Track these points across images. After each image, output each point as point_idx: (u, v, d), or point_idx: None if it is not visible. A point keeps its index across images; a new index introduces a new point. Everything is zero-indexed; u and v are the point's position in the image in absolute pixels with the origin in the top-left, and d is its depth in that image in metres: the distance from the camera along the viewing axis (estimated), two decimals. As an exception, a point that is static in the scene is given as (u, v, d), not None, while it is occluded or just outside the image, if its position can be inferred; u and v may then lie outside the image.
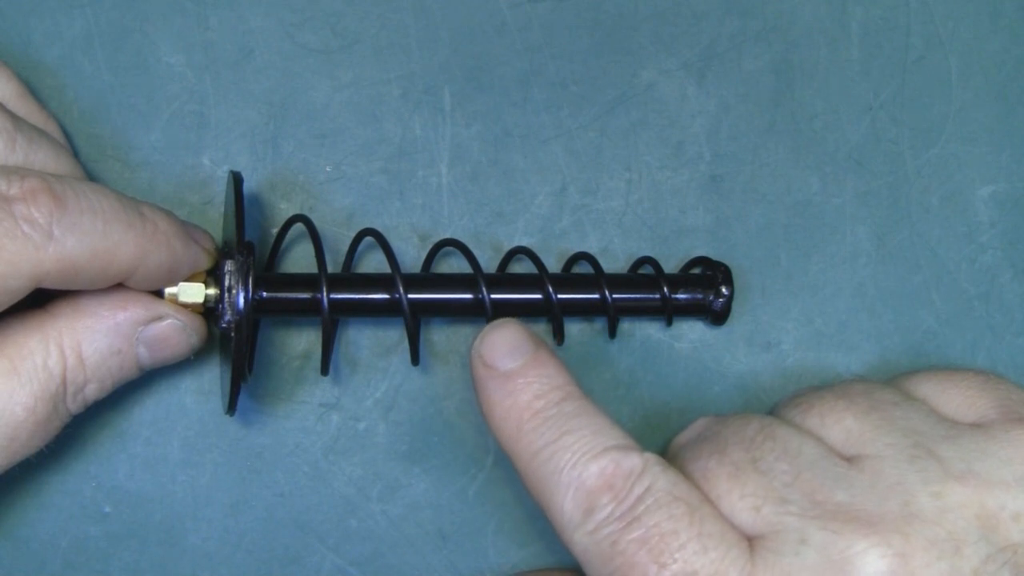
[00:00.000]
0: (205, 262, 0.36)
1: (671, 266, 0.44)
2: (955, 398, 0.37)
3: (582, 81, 0.44)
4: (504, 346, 0.36)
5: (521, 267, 0.43)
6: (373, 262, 0.42)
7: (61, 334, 0.34)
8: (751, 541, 0.32)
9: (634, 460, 0.33)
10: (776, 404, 0.40)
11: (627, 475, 0.33)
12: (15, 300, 0.31)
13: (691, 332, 0.44)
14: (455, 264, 0.43)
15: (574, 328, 0.43)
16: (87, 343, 0.34)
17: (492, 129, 0.44)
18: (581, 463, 0.33)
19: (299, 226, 0.40)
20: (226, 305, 0.36)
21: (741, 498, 0.33)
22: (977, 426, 0.36)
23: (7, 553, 0.40)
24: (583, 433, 0.34)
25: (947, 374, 0.39)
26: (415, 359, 0.40)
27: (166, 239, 0.34)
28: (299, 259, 0.42)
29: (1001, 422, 0.35)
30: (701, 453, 0.35)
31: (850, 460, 0.34)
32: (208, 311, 0.37)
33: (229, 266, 0.36)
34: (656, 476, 0.33)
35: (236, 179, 0.37)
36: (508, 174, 0.44)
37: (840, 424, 0.35)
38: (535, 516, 0.42)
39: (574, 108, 0.44)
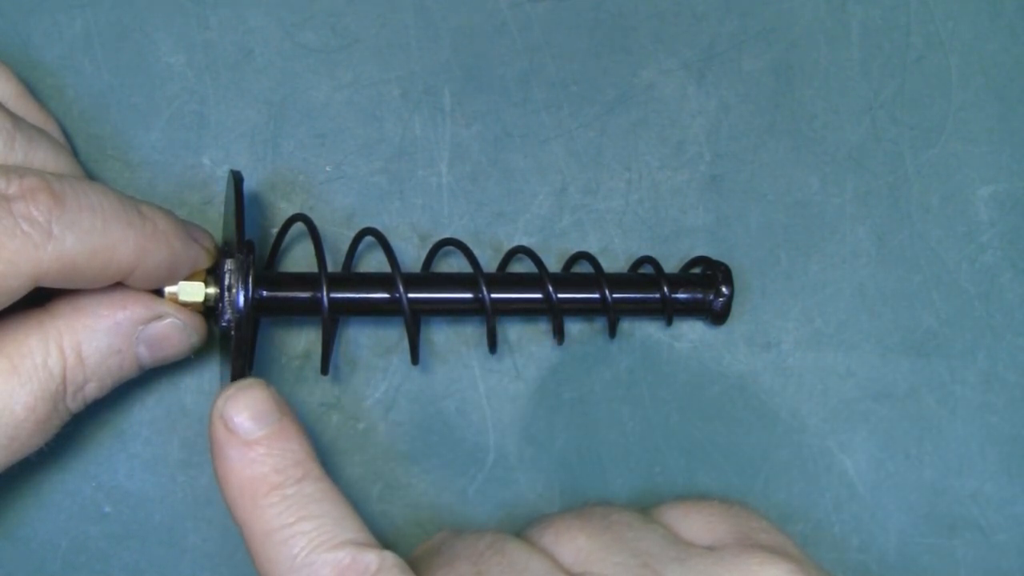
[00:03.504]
0: (205, 261, 0.36)
1: (671, 266, 0.44)
2: (695, 523, 0.38)
3: (582, 81, 0.44)
4: (249, 410, 0.34)
5: (521, 267, 0.43)
6: (373, 262, 0.42)
7: (61, 333, 0.34)
8: None
9: (371, 558, 0.32)
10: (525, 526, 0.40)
11: (363, 571, 0.32)
12: (15, 299, 0.31)
13: (691, 332, 0.44)
14: (455, 264, 0.43)
15: (574, 328, 0.43)
16: (87, 342, 0.34)
17: (492, 129, 0.44)
18: (316, 552, 0.32)
19: (299, 226, 0.40)
20: (226, 304, 0.36)
21: None
22: (711, 549, 0.36)
23: (7, 553, 0.40)
24: (323, 521, 0.32)
25: (693, 502, 0.39)
26: (415, 359, 0.40)
27: (165, 237, 0.34)
28: (299, 259, 0.42)
29: (734, 547, 0.36)
30: (431, 564, 0.35)
31: None
32: (208, 310, 0.37)
33: (229, 265, 0.36)
34: None
35: (236, 178, 0.37)
36: (508, 174, 0.44)
37: (573, 543, 0.35)
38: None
39: (574, 108, 0.44)
